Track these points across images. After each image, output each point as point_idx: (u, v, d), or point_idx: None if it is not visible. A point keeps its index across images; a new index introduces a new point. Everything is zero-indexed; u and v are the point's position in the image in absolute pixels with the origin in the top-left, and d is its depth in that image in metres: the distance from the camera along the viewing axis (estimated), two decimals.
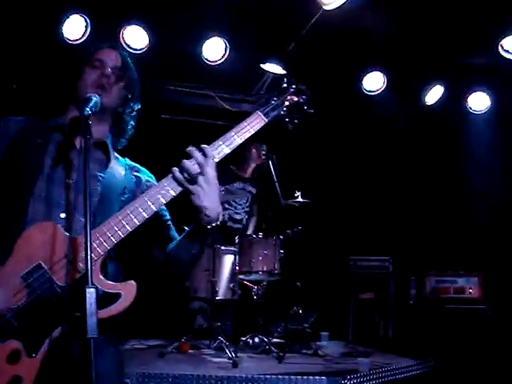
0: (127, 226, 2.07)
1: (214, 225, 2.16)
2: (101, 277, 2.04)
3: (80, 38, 5.51)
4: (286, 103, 2.33)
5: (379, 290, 6.79)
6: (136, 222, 2.08)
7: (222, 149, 2.18)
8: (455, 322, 6.27)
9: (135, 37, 5.77)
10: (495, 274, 6.58)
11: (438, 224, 7.17)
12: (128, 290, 2.05)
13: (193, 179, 2.09)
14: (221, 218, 2.17)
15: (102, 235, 2.05)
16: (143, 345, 5.95)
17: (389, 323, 6.63)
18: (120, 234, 2.06)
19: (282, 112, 2.32)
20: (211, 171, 2.10)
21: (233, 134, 2.21)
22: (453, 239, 7.01)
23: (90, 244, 1.80)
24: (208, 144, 2.16)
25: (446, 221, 7.16)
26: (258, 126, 2.25)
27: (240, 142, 2.21)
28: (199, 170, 2.09)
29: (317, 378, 4.40)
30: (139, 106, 2.48)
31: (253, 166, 6.63)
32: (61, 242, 2.01)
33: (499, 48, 5.52)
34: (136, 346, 5.83)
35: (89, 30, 5.52)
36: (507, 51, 5.53)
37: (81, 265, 1.98)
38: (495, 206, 6.94)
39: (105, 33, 5.62)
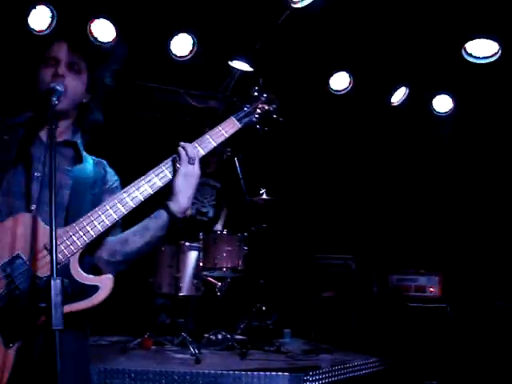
0: (106, 221, 2.12)
1: (178, 216, 2.22)
2: (79, 269, 2.06)
3: (46, 29, 5.43)
4: (258, 110, 2.45)
5: (342, 287, 6.86)
6: (115, 216, 2.14)
7: (197, 150, 2.27)
8: (416, 320, 6.36)
9: (103, 30, 5.71)
10: (455, 274, 6.71)
11: (401, 223, 7.28)
12: (105, 283, 2.08)
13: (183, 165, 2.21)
14: (189, 213, 2.24)
15: (82, 229, 2.08)
16: (105, 341, 5.92)
17: (351, 321, 6.71)
18: (99, 227, 2.10)
19: (254, 119, 2.44)
20: (196, 166, 2.23)
21: (208, 137, 2.31)
22: (414, 239, 7.13)
23: (56, 236, 1.81)
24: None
25: (409, 220, 7.27)
26: (231, 131, 2.35)
27: (215, 145, 2.31)
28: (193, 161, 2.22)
29: (279, 374, 4.44)
30: (105, 98, 2.46)
31: (216, 161, 6.63)
32: (40, 234, 2.03)
33: (462, 51, 5.60)
34: (98, 342, 5.79)
35: (55, 21, 5.44)
36: (470, 55, 5.62)
37: (60, 256, 1.99)
38: (456, 206, 7.08)
39: (71, 24, 5.55)
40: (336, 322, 6.73)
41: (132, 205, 2.16)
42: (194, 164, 2.21)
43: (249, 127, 2.42)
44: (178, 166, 2.20)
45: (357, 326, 6.65)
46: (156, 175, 2.21)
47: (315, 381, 4.59)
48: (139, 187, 2.18)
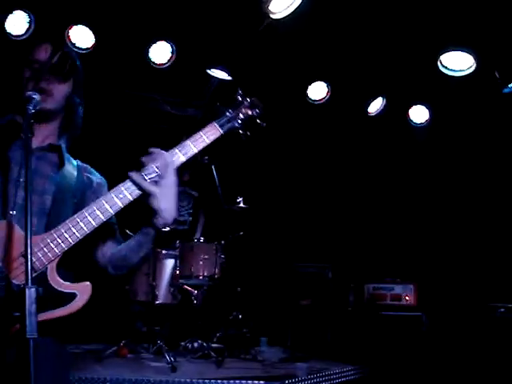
0: (85, 228, 2.09)
1: (168, 228, 2.22)
2: (57, 277, 2.04)
3: (23, 34, 5.39)
4: (241, 116, 2.38)
5: (318, 296, 6.88)
6: (93, 224, 2.10)
7: (178, 157, 2.21)
8: (392, 329, 6.41)
9: (81, 36, 5.69)
10: (430, 283, 6.78)
11: (377, 233, 7.34)
12: (83, 291, 2.07)
13: (152, 182, 2.14)
14: (175, 221, 2.20)
15: (60, 236, 2.05)
16: (81, 349, 5.86)
17: (327, 329, 6.73)
18: (78, 235, 2.07)
19: (236, 124, 2.36)
20: (171, 176, 2.16)
21: (189, 143, 2.25)
22: (390, 248, 7.19)
23: (31, 242, 1.79)
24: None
25: (384, 230, 7.33)
26: (213, 137, 2.29)
27: (196, 151, 2.25)
28: (160, 173, 2.13)
29: (255, 382, 4.43)
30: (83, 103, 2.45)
31: (192, 169, 6.63)
32: (17, 241, 2.00)
33: (438, 63, 5.67)
34: (74, 351, 5.74)
35: (33, 26, 5.41)
36: (445, 67, 5.69)
37: (37, 264, 1.98)
38: (430, 216, 7.17)
39: (49, 30, 5.52)
40: (312, 330, 6.75)
41: (111, 212, 2.13)
42: (170, 173, 2.15)
43: (231, 133, 2.37)
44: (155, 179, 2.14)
45: (333, 335, 6.68)
46: (127, 188, 2.15)
47: None
48: (118, 194, 2.14)
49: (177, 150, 2.22)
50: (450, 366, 6.00)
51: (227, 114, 2.36)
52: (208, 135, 2.28)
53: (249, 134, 2.43)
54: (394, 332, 6.38)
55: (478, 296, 6.37)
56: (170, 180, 2.16)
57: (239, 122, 2.37)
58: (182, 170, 6.41)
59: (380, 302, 6.58)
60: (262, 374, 5.01)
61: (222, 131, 2.31)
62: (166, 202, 2.14)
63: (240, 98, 2.42)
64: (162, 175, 2.14)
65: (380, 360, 6.10)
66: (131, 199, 2.15)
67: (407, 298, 6.59)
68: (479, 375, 5.62)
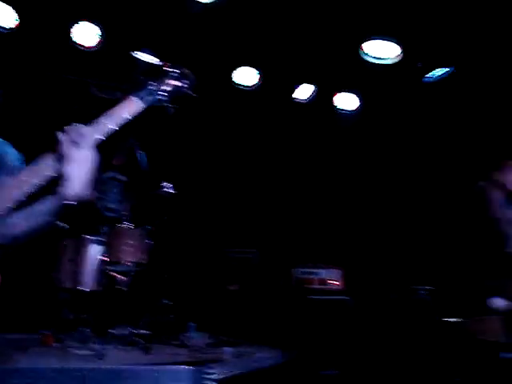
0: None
1: (72, 202, 2.12)
2: None
3: None
4: (167, 88, 2.25)
5: (246, 281, 6.92)
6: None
7: (93, 131, 2.11)
8: (319, 312, 6.51)
9: (3, 15, 5.51)
10: (356, 267, 6.93)
11: (304, 218, 7.43)
12: None
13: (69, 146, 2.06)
14: (89, 199, 2.13)
15: None
16: (4, 339, 5.70)
17: (255, 314, 6.77)
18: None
19: (161, 97, 2.24)
20: (86, 149, 2.07)
21: (107, 119, 2.14)
22: (318, 232, 7.29)
23: None
24: None
25: (312, 215, 7.43)
26: (133, 111, 2.18)
27: (112, 127, 2.15)
28: (75, 142, 2.05)
29: (181, 367, 4.42)
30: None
31: (122, 154, 6.52)
32: None
33: (360, 51, 5.74)
34: None
35: None
36: (367, 54, 5.77)
37: None
38: (357, 202, 7.31)
39: None
40: (240, 315, 6.78)
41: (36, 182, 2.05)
42: (84, 148, 2.06)
43: (156, 106, 2.24)
44: (65, 151, 2.05)
45: (261, 319, 6.73)
46: (44, 163, 2.08)
47: (217, 373, 4.61)
48: (28, 174, 2.06)
49: (91, 127, 2.12)
50: (375, 347, 6.16)
51: (149, 86, 2.24)
52: (127, 110, 2.17)
53: (177, 107, 2.30)
54: (321, 316, 6.49)
55: (401, 279, 6.57)
56: (85, 153, 2.07)
57: (164, 94, 2.25)
58: (112, 154, 6.31)
59: (307, 286, 6.67)
60: (189, 359, 5.00)
61: (143, 104, 2.19)
62: (79, 170, 2.06)
63: (167, 69, 2.28)
64: (76, 144, 2.05)
65: (307, 343, 6.19)
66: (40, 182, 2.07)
67: (334, 282, 6.71)
68: (402, 356, 5.80)
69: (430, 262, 6.50)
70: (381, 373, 5.89)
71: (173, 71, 2.29)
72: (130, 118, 2.17)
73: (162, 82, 2.26)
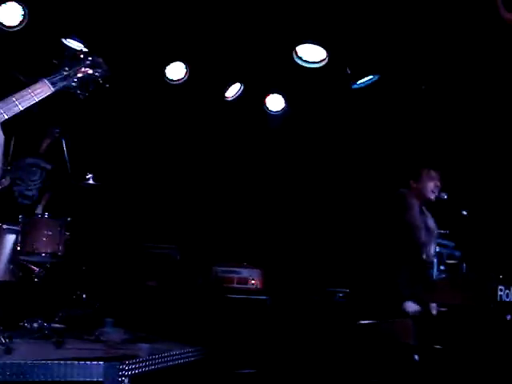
0: None
1: None
2: None
3: None
4: (79, 75, 2.26)
5: (166, 277, 6.85)
6: None
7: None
8: (238, 311, 6.52)
9: None
10: (276, 267, 6.99)
11: (226, 216, 7.43)
12: None
13: None
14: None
15: None
16: None
17: (173, 310, 6.71)
18: None
19: (72, 83, 2.26)
20: None
21: (14, 99, 2.15)
22: (240, 232, 7.31)
23: None
24: None
25: (235, 213, 7.44)
26: (42, 94, 2.19)
27: (21, 108, 2.14)
28: None
29: (94, 363, 4.33)
30: None
31: (47, 142, 6.34)
32: None
33: (293, 54, 5.79)
34: None
35: None
36: (300, 58, 5.83)
37: None
38: (278, 204, 7.39)
39: None
40: (159, 312, 6.71)
41: None
42: None
43: (67, 91, 2.23)
44: None
45: (178, 316, 6.68)
46: None
47: (132, 369, 4.53)
48: None
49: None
50: (291, 348, 6.23)
51: (62, 71, 2.25)
52: (36, 92, 2.17)
53: (87, 94, 2.30)
54: (239, 315, 6.50)
55: (319, 281, 6.67)
56: None
57: (75, 80, 2.24)
58: (36, 138, 6.10)
59: (227, 285, 6.67)
60: (103, 354, 4.89)
61: (52, 89, 2.21)
62: None
63: (82, 56, 2.29)
64: None
65: (225, 342, 6.20)
66: None
67: (254, 281, 6.74)
68: (318, 357, 5.89)
69: (347, 265, 6.63)
70: (297, 373, 5.96)
71: (87, 59, 2.31)
72: (37, 100, 2.18)
73: (75, 69, 2.29)
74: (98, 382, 4.25)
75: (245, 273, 6.74)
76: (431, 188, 4.46)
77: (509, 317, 3.61)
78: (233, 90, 6.98)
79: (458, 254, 4.60)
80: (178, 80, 6.74)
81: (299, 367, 6.00)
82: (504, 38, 5.14)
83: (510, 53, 5.30)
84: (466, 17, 5.19)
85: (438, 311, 4.15)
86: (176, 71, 6.74)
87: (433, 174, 4.51)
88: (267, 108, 7.11)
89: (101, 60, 2.30)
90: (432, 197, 4.46)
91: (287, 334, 6.39)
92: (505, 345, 3.65)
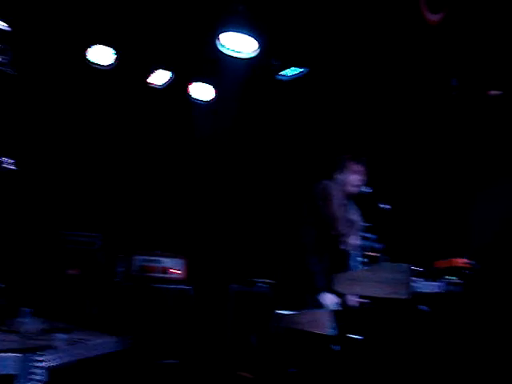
0: None
1: None
2: None
3: None
4: None
5: (87, 266, 6.71)
6: None
7: None
8: (160, 301, 6.46)
9: None
10: (199, 257, 6.96)
11: (149, 205, 7.34)
12: None
13: None
14: None
15: None
16: None
17: (94, 300, 6.60)
18: None
19: None
20: None
21: None
22: (162, 221, 7.24)
23: None
24: None
25: (157, 202, 7.36)
26: None
27: None
28: None
29: (7, 354, 4.18)
30: None
31: None
32: None
33: (217, 42, 5.73)
34: None
35: None
36: (223, 46, 5.77)
37: None
38: (203, 195, 7.36)
39: None
40: (79, 301, 6.58)
41: None
42: None
43: None
44: None
45: (99, 306, 6.57)
46: None
47: (48, 361, 4.41)
48: None
49: None
50: (214, 337, 6.23)
51: None
52: None
53: None
54: (161, 304, 6.45)
55: (243, 271, 6.69)
56: None
57: None
58: None
59: (149, 274, 6.60)
60: (19, 345, 4.73)
61: None
62: None
63: None
64: None
65: (147, 331, 6.13)
66: None
67: (176, 271, 6.69)
68: (240, 346, 5.91)
69: (269, 255, 6.68)
70: (219, 363, 5.97)
71: None
72: None
73: None
74: (10, 375, 4.11)
75: (167, 262, 6.68)
76: (355, 181, 4.50)
77: (424, 308, 3.70)
78: (160, 77, 6.87)
79: (379, 246, 4.67)
80: (106, 65, 6.56)
81: (221, 357, 6.01)
82: (426, 37, 5.26)
83: (431, 51, 5.44)
84: (391, 16, 5.28)
85: (357, 302, 4.23)
86: (104, 56, 6.56)
87: (357, 167, 4.55)
88: (193, 97, 7.04)
89: (5, 46, 2.21)
90: (355, 190, 4.50)
91: (210, 324, 6.39)
92: (420, 335, 3.75)
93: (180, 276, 6.69)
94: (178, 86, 7.06)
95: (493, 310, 4.36)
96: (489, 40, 5.12)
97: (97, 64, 6.52)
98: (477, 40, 5.17)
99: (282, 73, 6.20)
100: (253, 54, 5.79)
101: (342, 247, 4.34)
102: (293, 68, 6.18)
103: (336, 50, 5.84)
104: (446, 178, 6.00)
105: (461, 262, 3.91)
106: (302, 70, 6.19)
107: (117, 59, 6.51)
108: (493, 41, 5.11)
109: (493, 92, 5.56)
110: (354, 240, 4.40)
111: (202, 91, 7.15)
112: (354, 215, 4.55)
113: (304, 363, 4.17)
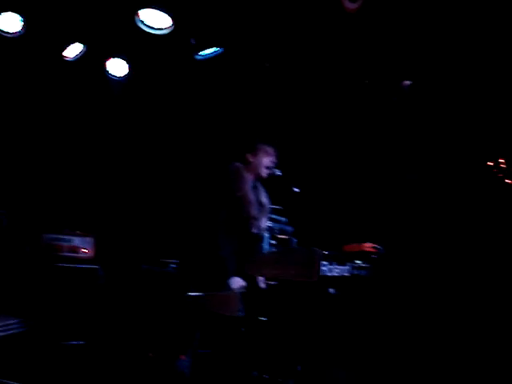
0: None
1: None
2: None
3: None
4: None
5: None
6: None
7: None
8: (68, 281, 6.33)
9: None
10: (109, 236, 6.85)
11: (57, 182, 7.15)
12: None
13: None
14: None
15: None
16: None
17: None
18: None
19: None
20: None
21: None
22: (72, 200, 7.08)
23: None
24: None
25: (65, 180, 7.18)
26: None
27: None
28: None
29: None
30: None
31: None
32: None
33: (137, 19, 5.61)
34: None
35: None
36: (142, 22, 5.67)
37: None
38: (115, 172, 7.24)
39: None
40: None
41: None
42: None
43: None
44: None
45: (4, 285, 6.34)
46: None
47: None
48: None
49: None
50: (122, 318, 6.16)
51: None
52: None
53: None
54: (69, 284, 6.32)
55: (152, 251, 6.64)
56: None
57: None
58: None
59: (57, 253, 6.43)
60: None
61: None
62: None
63: None
64: None
65: (53, 312, 5.99)
66: None
67: (85, 250, 6.56)
68: (148, 327, 5.86)
69: (180, 237, 6.66)
70: (126, 344, 5.91)
71: None
72: None
73: None
74: None
75: (76, 241, 6.53)
76: (266, 163, 4.51)
77: (331, 290, 3.77)
78: (73, 50, 6.63)
79: (289, 229, 4.73)
80: (13, 33, 6.26)
81: (129, 338, 5.95)
82: (345, 24, 5.34)
83: (348, 38, 5.52)
84: (310, 1, 5.31)
85: (266, 284, 4.27)
86: (11, 23, 6.26)
87: (269, 150, 4.57)
88: (109, 72, 6.86)
89: None
90: (266, 172, 4.52)
91: (118, 304, 6.32)
92: (327, 317, 3.84)
93: (88, 255, 6.56)
94: (94, 61, 6.85)
95: (397, 292, 4.50)
96: (405, 29, 5.24)
97: (2, 31, 6.22)
98: (393, 29, 5.28)
99: (199, 52, 6.13)
100: (167, 31, 5.69)
101: (253, 230, 4.35)
102: (209, 48, 6.13)
103: (252, 32, 5.82)
104: (354, 163, 6.14)
105: (368, 246, 4.00)
106: (217, 49, 6.15)
107: (24, 27, 6.21)
108: (409, 30, 5.23)
109: (405, 82, 5.71)
110: (265, 223, 4.43)
111: (119, 67, 6.97)
112: (264, 198, 4.58)
113: (213, 344, 4.19)
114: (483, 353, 4.37)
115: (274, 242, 4.51)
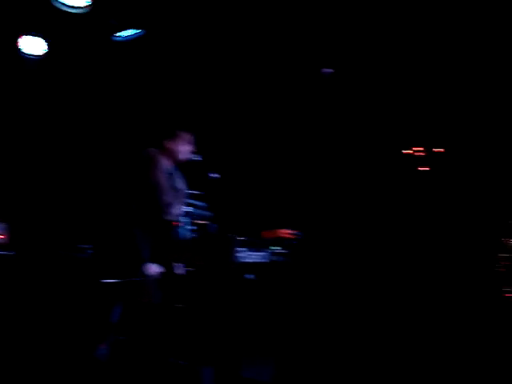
0: None
1: None
2: None
3: None
4: None
5: None
6: None
7: None
8: None
9: None
10: (23, 221, 6.70)
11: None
12: None
13: None
14: None
15: None
16: None
17: None
18: None
19: None
20: None
21: None
22: None
23: None
24: None
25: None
26: None
27: None
28: None
29: None
30: None
31: None
32: None
33: None
34: None
35: None
36: (57, 1, 5.51)
37: None
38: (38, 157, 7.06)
39: None
40: None
41: None
42: None
43: None
44: None
45: None
46: None
47: None
48: None
49: None
50: (38, 305, 6.03)
51: None
52: None
53: None
54: None
55: (68, 236, 6.54)
56: None
57: None
58: None
59: None
60: None
61: None
62: None
63: None
64: None
65: None
66: None
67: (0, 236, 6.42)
68: (65, 314, 5.77)
69: (96, 223, 6.56)
70: (40, 332, 5.79)
71: None
72: None
73: None
74: None
75: None
76: (184, 150, 4.46)
77: (248, 276, 3.80)
78: None
79: (207, 214, 4.71)
80: None
81: (44, 326, 5.84)
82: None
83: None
84: None
85: (183, 271, 4.24)
86: None
87: (187, 136, 4.51)
88: (23, 51, 6.63)
89: None
90: (184, 158, 4.47)
91: (37, 290, 6.19)
92: (244, 303, 3.86)
93: (3, 241, 6.39)
94: (7, 39, 6.61)
95: (315, 278, 4.58)
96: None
97: None
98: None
99: (118, 34, 6.01)
100: (84, 10, 5.54)
101: (168, 217, 4.30)
102: (129, 29, 6.02)
103: (173, 14, 5.76)
104: (274, 149, 6.19)
105: (285, 232, 4.04)
106: (138, 31, 6.05)
107: None
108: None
109: (325, 69, 5.78)
110: (180, 209, 4.39)
111: (34, 46, 6.73)
112: (180, 184, 4.53)
113: (130, 331, 4.15)
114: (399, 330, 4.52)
115: (193, 227, 4.47)
